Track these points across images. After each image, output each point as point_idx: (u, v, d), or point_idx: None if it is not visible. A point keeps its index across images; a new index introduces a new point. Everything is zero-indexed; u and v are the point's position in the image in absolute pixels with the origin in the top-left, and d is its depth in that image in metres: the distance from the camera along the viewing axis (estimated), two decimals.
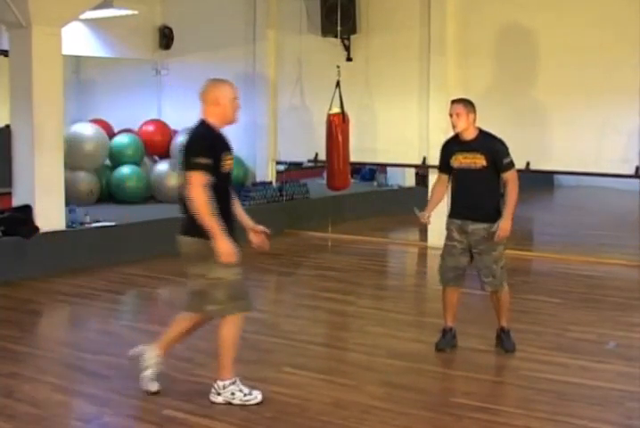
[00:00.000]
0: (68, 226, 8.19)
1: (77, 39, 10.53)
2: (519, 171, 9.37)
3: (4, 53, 8.52)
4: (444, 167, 5.49)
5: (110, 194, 10.63)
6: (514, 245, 9.13)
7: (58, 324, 6.73)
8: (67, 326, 6.62)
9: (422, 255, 9.53)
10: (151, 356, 4.63)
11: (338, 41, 10.04)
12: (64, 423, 4.31)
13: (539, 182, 15.36)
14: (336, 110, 9.52)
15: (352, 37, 10.04)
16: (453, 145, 5.40)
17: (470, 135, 5.29)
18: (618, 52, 8.43)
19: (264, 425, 4.22)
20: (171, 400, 4.50)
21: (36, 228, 7.81)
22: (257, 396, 4.49)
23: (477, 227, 5.28)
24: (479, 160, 5.25)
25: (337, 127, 9.51)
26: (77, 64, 12.40)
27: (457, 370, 5.08)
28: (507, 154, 5.31)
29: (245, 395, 4.47)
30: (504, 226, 5.21)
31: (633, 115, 8.43)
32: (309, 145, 10.53)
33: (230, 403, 4.45)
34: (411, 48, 9.76)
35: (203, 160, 4.26)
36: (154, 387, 4.60)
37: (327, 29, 9.94)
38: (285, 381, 4.88)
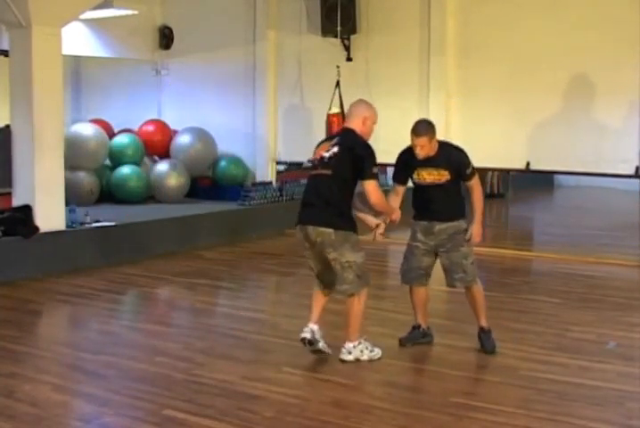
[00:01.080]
0: (68, 226, 8.19)
1: (77, 39, 10.52)
2: (519, 171, 9.52)
3: (4, 53, 8.52)
4: (401, 178, 5.47)
5: (110, 194, 10.63)
6: (514, 245, 9.16)
7: (58, 324, 6.73)
8: (67, 326, 6.61)
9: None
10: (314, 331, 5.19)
11: (338, 41, 10.04)
12: (64, 423, 4.30)
13: (539, 182, 15.39)
14: (336, 110, 9.52)
15: (352, 37, 10.04)
16: (413, 160, 5.31)
17: (432, 152, 5.27)
18: (618, 52, 8.44)
19: (264, 425, 4.21)
20: (171, 400, 4.50)
21: (36, 228, 7.81)
22: (378, 352, 5.20)
23: (443, 227, 5.32)
24: (444, 176, 5.28)
25: (337, 127, 9.50)
26: (77, 64, 12.38)
27: (457, 370, 5.07)
28: (469, 164, 5.31)
29: (370, 352, 5.17)
30: (476, 231, 5.28)
31: (633, 115, 8.43)
32: (309, 145, 10.46)
33: (359, 359, 5.12)
34: (411, 48, 9.77)
35: (376, 170, 5.06)
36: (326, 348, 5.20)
37: (327, 29, 9.94)
38: (285, 381, 4.87)
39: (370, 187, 5.00)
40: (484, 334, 5.42)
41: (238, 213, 10.18)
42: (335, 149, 5.08)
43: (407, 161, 5.36)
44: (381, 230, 5.28)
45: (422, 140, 5.17)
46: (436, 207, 5.36)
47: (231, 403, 4.46)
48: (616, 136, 8.58)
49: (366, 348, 5.17)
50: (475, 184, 5.34)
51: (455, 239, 5.31)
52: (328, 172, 5.06)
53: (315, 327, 5.18)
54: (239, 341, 5.72)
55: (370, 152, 5.07)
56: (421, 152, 5.21)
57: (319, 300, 5.28)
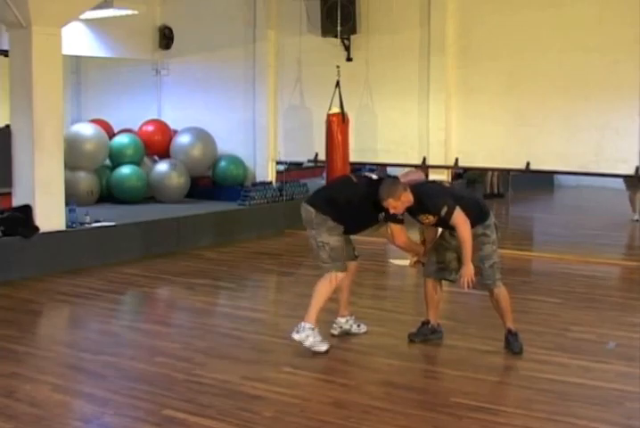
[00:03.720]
0: (68, 226, 8.19)
1: (78, 39, 10.52)
2: (519, 171, 9.51)
3: (4, 53, 8.51)
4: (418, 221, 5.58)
5: (110, 194, 10.63)
6: (514, 245, 9.15)
7: (58, 324, 6.73)
8: (67, 326, 6.61)
9: None
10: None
11: (338, 41, 10.03)
12: (64, 423, 4.30)
13: (539, 182, 15.37)
14: (336, 110, 9.52)
15: (352, 37, 10.03)
16: (409, 211, 5.43)
17: (408, 203, 5.31)
18: (617, 52, 8.44)
19: (264, 425, 4.21)
20: (171, 400, 4.50)
21: (36, 228, 7.80)
22: (323, 346, 5.34)
23: None
24: (431, 218, 5.34)
25: (337, 127, 9.51)
26: (77, 64, 12.38)
27: (457, 370, 5.07)
28: (440, 205, 5.23)
29: (316, 341, 5.33)
30: (465, 272, 5.22)
31: (633, 115, 8.43)
32: (309, 145, 10.54)
33: (302, 343, 5.30)
34: (411, 48, 9.76)
35: (401, 217, 5.40)
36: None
37: (327, 30, 9.93)
38: (285, 381, 4.87)
39: (394, 231, 5.45)
40: (511, 336, 5.40)
41: (238, 213, 10.18)
42: (374, 176, 5.64)
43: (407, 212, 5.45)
44: (416, 258, 5.70)
45: (388, 202, 5.24)
46: (449, 228, 5.43)
47: (231, 403, 4.46)
48: (616, 136, 8.58)
49: (313, 336, 5.35)
50: (456, 222, 5.21)
51: (473, 242, 5.29)
52: (354, 180, 5.68)
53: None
54: (239, 341, 5.72)
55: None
56: (396, 211, 5.30)
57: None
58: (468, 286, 5.23)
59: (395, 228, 5.41)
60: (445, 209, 5.21)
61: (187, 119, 11.28)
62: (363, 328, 5.88)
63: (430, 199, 5.31)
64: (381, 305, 6.94)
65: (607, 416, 4.32)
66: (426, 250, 5.64)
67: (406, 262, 5.81)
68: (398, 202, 5.24)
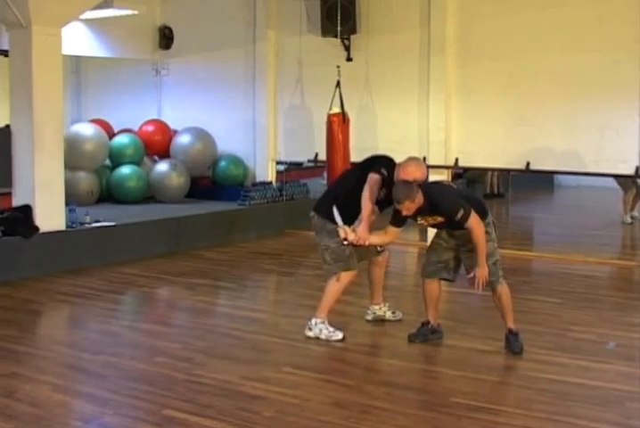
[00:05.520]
0: (68, 226, 8.19)
1: (78, 39, 10.52)
2: (519, 171, 9.51)
3: (4, 53, 8.52)
4: (396, 223, 5.42)
5: (110, 194, 10.63)
6: (514, 245, 9.15)
7: (58, 324, 6.73)
8: (67, 326, 6.61)
9: (422, 255, 9.48)
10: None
11: (338, 41, 10.02)
12: (64, 423, 4.30)
13: (539, 182, 15.37)
14: (336, 110, 9.52)
15: (352, 37, 10.03)
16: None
17: (419, 204, 5.26)
18: (617, 52, 8.43)
19: (264, 425, 4.21)
20: (171, 400, 4.50)
21: (36, 228, 7.81)
22: (338, 334, 5.58)
23: (464, 231, 5.30)
24: (440, 219, 5.32)
25: (337, 127, 9.51)
26: (77, 64, 12.38)
27: (457, 370, 5.07)
28: (457, 209, 5.19)
29: (330, 332, 5.58)
30: (480, 273, 5.23)
31: (633, 115, 8.42)
32: (309, 145, 10.53)
33: (318, 337, 5.57)
34: (411, 48, 9.75)
35: (385, 171, 5.51)
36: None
37: (327, 30, 9.93)
38: (285, 381, 4.87)
39: (371, 176, 5.50)
40: (512, 336, 5.40)
41: (238, 213, 10.18)
42: (363, 159, 5.94)
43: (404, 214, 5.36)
44: (345, 234, 5.42)
45: (404, 205, 5.17)
46: (451, 228, 5.42)
47: (231, 403, 4.47)
48: (616, 136, 8.58)
49: (326, 328, 5.60)
50: (472, 225, 5.18)
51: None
52: (344, 173, 6.24)
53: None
54: (239, 341, 5.72)
55: (380, 167, 5.53)
56: (409, 213, 5.26)
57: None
58: (482, 287, 5.26)
59: (373, 177, 5.52)
60: (461, 213, 5.18)
61: (187, 119, 11.28)
62: (398, 315, 6.13)
63: (444, 202, 5.26)
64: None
65: (607, 416, 4.32)
66: (364, 241, 5.44)
67: (342, 231, 5.46)
68: (414, 203, 5.19)
